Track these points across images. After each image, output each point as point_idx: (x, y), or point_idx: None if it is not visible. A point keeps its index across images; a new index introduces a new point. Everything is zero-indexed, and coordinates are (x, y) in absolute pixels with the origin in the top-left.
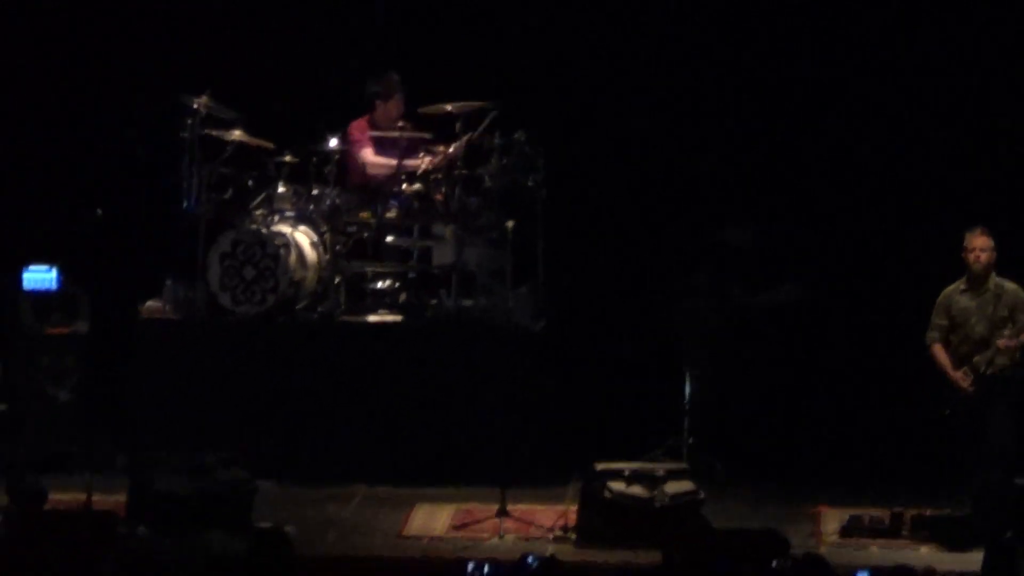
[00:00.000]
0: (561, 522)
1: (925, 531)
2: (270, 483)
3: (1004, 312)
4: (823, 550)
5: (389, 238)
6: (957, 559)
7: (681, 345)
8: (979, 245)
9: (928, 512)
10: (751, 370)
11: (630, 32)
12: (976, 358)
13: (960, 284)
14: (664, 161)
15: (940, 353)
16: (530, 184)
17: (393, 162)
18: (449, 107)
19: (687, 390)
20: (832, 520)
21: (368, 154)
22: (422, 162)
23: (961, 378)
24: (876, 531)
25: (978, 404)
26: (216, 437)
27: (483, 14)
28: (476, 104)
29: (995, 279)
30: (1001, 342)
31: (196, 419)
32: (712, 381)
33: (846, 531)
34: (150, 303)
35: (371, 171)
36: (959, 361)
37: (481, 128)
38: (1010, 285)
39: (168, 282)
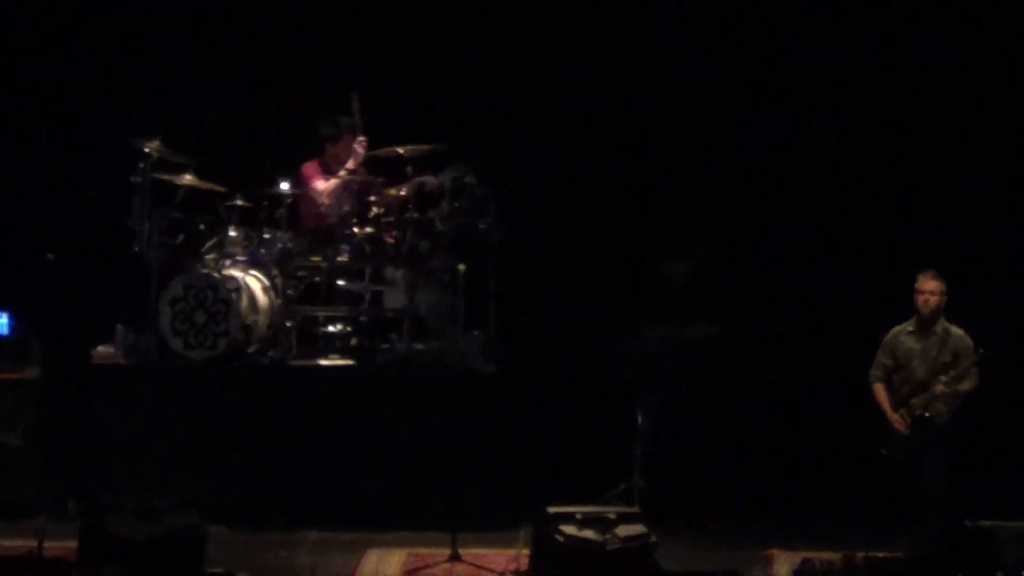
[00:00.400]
0: (513, 566)
1: (877, 574)
2: (222, 528)
3: (947, 357)
4: None
5: (340, 282)
6: None
7: (633, 387)
8: (929, 288)
9: (881, 555)
10: (703, 412)
11: (578, 76)
12: (914, 400)
13: (908, 325)
14: (614, 203)
15: (881, 393)
16: (481, 227)
17: (342, 179)
18: (400, 150)
19: (639, 432)
20: (784, 563)
21: (320, 183)
22: (373, 182)
23: (898, 420)
24: (828, 574)
25: (914, 447)
26: (168, 482)
27: (433, 57)
28: (427, 147)
29: (943, 323)
30: (938, 387)
31: (148, 464)
32: (664, 423)
33: (799, 574)
34: (101, 348)
35: (326, 199)
36: (899, 402)
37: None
38: (956, 331)
39: (119, 327)
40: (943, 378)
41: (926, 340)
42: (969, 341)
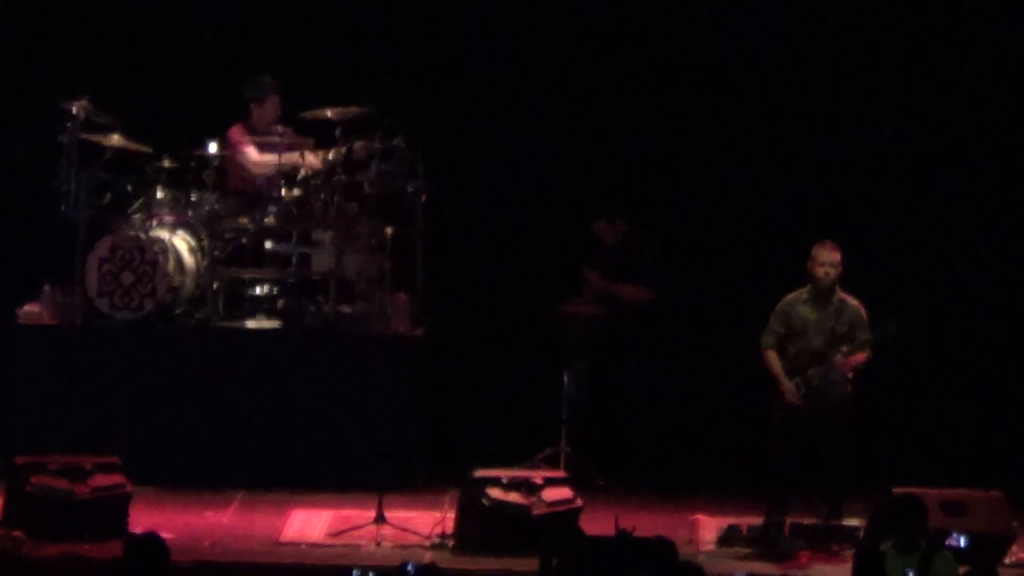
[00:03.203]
0: (439, 529)
1: (802, 539)
2: (147, 488)
3: (844, 328)
4: (700, 559)
5: (268, 244)
6: (834, 567)
7: (561, 351)
8: (828, 260)
9: (806, 521)
10: (629, 377)
11: (507, 38)
12: (810, 371)
13: (803, 294)
14: (542, 166)
15: (774, 360)
16: (409, 190)
17: (276, 158)
18: (329, 112)
19: (564, 396)
20: (710, 528)
21: (252, 153)
22: (302, 157)
23: (792, 390)
24: (753, 539)
25: (807, 417)
26: (93, 441)
27: (363, 19)
28: (356, 110)
29: (839, 294)
30: (837, 358)
31: (73, 423)
32: (591, 388)
33: (723, 540)
34: (28, 307)
35: (256, 170)
36: (792, 372)
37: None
38: (852, 301)
39: (46, 286)
40: (844, 349)
41: (823, 310)
42: (863, 312)
